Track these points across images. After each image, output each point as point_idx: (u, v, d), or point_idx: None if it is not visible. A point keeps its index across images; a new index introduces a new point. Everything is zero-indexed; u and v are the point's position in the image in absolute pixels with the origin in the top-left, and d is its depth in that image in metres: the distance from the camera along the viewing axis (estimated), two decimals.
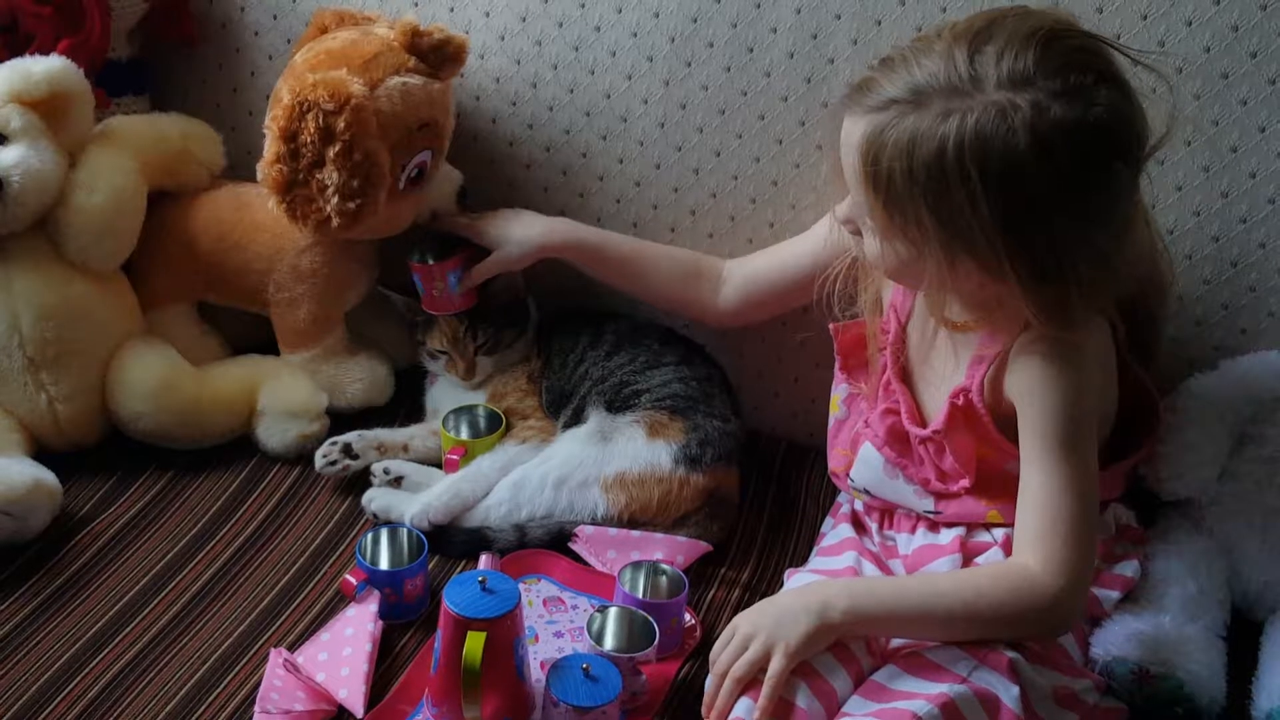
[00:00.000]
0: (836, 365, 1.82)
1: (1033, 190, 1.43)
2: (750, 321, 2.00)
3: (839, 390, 1.82)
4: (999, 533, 1.64)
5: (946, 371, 1.66)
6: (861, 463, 1.74)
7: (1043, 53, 1.44)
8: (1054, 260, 1.47)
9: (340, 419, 2.03)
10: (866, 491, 1.76)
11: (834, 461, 1.81)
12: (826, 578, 1.66)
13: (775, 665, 1.48)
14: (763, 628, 1.51)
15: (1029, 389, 1.57)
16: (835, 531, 1.80)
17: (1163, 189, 1.78)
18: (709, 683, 1.55)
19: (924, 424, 1.68)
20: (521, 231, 1.98)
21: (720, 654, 1.53)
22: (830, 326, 1.81)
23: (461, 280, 1.97)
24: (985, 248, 1.46)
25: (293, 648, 1.67)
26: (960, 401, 1.62)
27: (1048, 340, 1.56)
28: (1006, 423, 1.61)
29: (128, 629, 1.69)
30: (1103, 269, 1.50)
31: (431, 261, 1.97)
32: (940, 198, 1.45)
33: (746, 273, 1.96)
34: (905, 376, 1.72)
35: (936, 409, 1.65)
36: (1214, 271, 1.80)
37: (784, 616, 1.51)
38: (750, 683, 1.50)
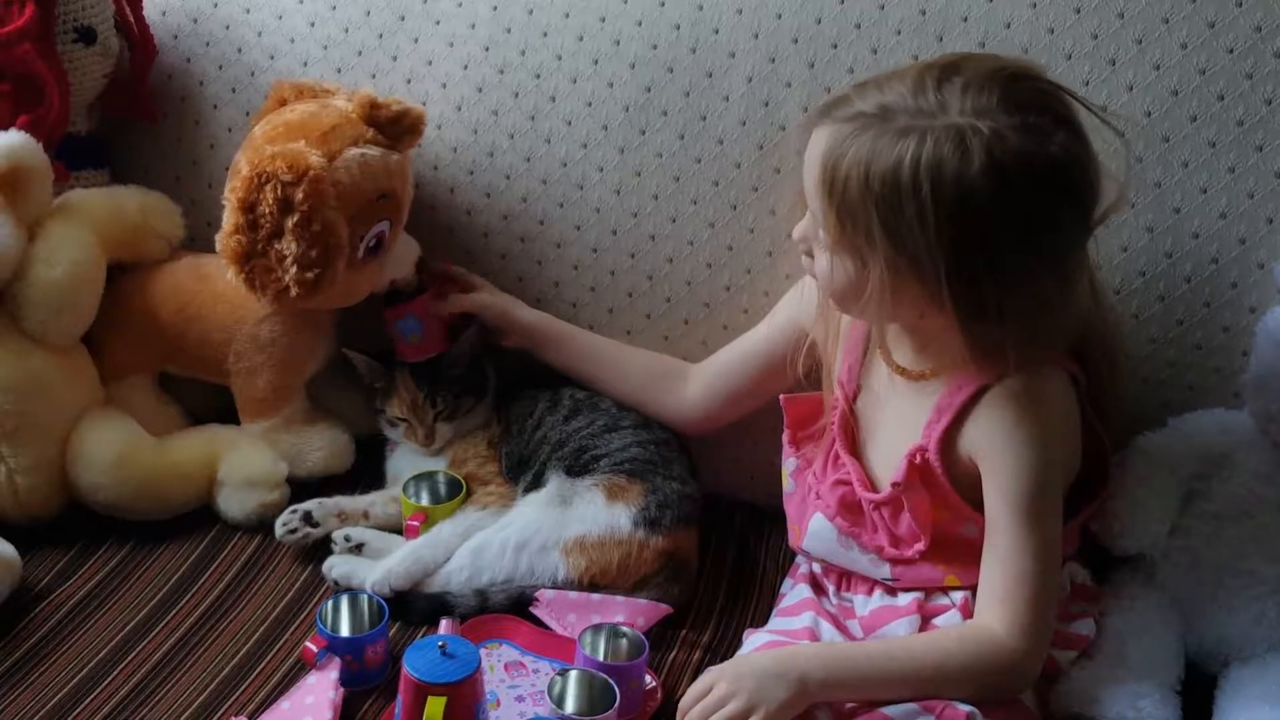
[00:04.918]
0: (785, 438, 1.83)
1: (982, 217, 1.46)
2: (720, 422, 1.99)
3: (787, 464, 1.83)
4: (957, 595, 1.66)
5: (901, 433, 1.67)
6: (813, 534, 1.75)
7: (1005, 91, 1.49)
8: (994, 294, 1.50)
9: (301, 487, 2.03)
10: (823, 560, 1.78)
11: (790, 536, 1.83)
12: (799, 643, 1.66)
13: None
14: (743, 689, 1.52)
15: (996, 449, 1.59)
16: (794, 592, 1.81)
17: (1109, 249, 1.81)
18: None
19: (876, 490, 1.69)
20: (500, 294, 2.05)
21: (693, 704, 1.55)
22: (780, 398, 1.83)
23: (426, 323, 2.01)
24: (929, 269, 1.49)
25: (253, 717, 1.66)
26: (918, 460, 1.63)
27: (1013, 399, 1.58)
28: (963, 482, 1.62)
29: (87, 700, 1.68)
30: (1043, 313, 1.53)
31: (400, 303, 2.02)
32: (892, 211, 1.48)
33: (709, 370, 1.98)
34: (853, 449, 1.74)
35: (888, 475, 1.67)
36: (1161, 330, 1.83)
37: (764, 681, 1.53)
38: None
